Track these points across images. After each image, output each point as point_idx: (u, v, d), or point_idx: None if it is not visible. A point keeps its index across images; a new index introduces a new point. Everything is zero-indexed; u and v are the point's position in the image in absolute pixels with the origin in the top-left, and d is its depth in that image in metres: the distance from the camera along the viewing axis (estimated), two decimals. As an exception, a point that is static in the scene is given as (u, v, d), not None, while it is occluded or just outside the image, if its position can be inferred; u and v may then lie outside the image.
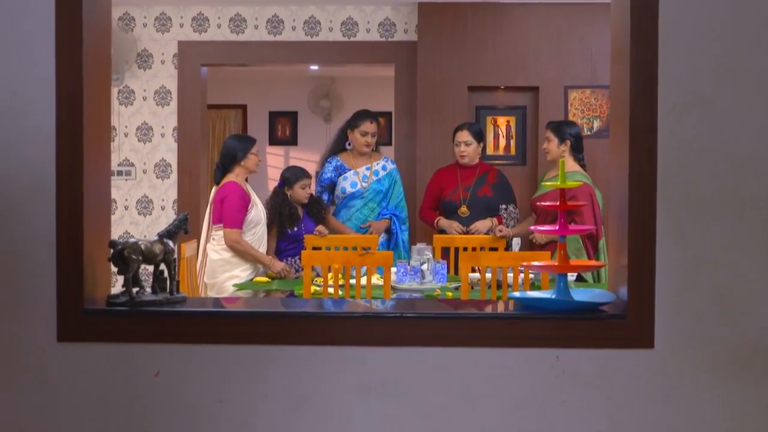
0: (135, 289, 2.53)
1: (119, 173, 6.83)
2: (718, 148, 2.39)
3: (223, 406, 2.45)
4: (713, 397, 2.41)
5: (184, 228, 2.66)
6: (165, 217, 6.81)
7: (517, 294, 2.68)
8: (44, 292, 2.45)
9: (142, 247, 2.52)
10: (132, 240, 2.52)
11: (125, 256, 2.48)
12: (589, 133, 6.27)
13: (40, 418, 2.46)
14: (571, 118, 6.24)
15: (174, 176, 6.82)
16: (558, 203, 2.61)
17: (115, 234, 6.78)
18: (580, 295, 2.57)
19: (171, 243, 2.60)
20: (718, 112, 2.39)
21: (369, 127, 5.78)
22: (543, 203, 2.74)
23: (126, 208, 6.85)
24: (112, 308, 2.49)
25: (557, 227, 2.61)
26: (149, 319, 2.47)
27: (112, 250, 2.50)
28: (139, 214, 6.85)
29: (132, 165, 6.84)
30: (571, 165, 5.36)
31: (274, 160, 11.13)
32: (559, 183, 2.59)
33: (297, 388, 2.45)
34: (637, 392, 2.41)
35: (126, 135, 6.83)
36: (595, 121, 6.32)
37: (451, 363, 2.44)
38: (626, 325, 2.42)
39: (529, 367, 2.43)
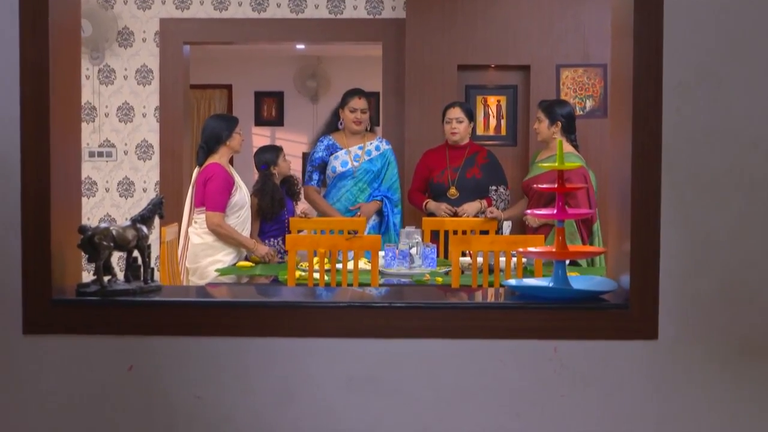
0: (106, 278, 2.40)
1: (99, 154, 6.67)
2: (727, 127, 2.27)
3: (202, 402, 2.32)
4: (721, 391, 2.29)
5: (158, 212, 2.52)
6: (147, 199, 6.64)
7: (512, 282, 2.54)
8: (9, 282, 2.32)
9: (114, 232, 2.37)
10: (103, 225, 2.37)
11: (95, 243, 2.33)
12: (581, 112, 6.13)
13: (5, 416, 2.32)
14: (563, 97, 6.10)
15: (156, 157, 6.67)
16: (555, 186, 2.47)
17: (96, 217, 6.64)
18: (580, 283, 2.44)
19: (145, 228, 2.46)
20: (726, 89, 2.27)
21: (357, 103, 5.68)
22: (540, 186, 2.60)
23: (107, 190, 6.69)
24: (82, 298, 2.35)
25: (554, 211, 2.47)
26: (122, 309, 2.34)
27: (81, 236, 2.35)
28: (120, 196, 6.69)
29: (113, 146, 6.68)
30: (564, 146, 5.22)
31: (261, 141, 10.96)
32: (557, 164, 2.45)
33: (281, 382, 2.32)
34: (640, 386, 2.29)
35: (106, 115, 6.66)
36: (587, 101, 6.18)
37: (442, 355, 2.31)
38: (628, 315, 2.29)
39: (525, 359, 2.31)
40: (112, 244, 2.36)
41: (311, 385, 2.31)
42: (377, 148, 5.76)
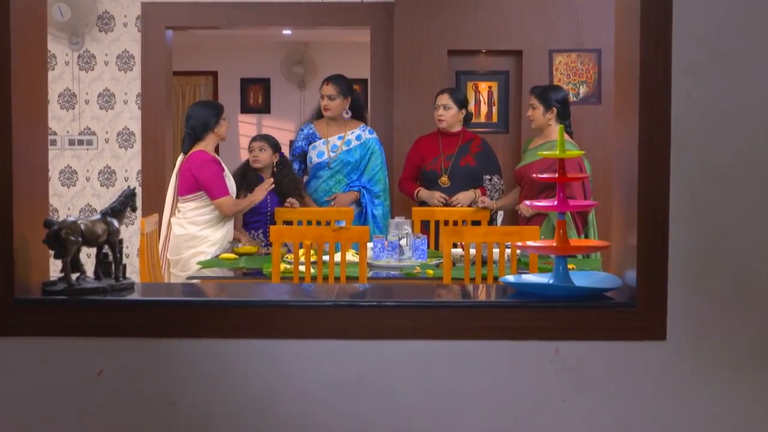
0: (74, 275, 2.25)
1: (80, 142, 6.49)
2: (741, 111, 2.13)
3: (177, 408, 2.18)
4: (732, 394, 2.16)
5: (130, 205, 2.36)
6: (129, 188, 6.47)
7: (510, 278, 2.39)
8: (-32, 280, 2.16)
9: (82, 227, 2.22)
10: (70, 219, 2.22)
11: (62, 238, 2.18)
12: (575, 99, 5.98)
13: (-35, 425, 2.17)
14: (556, 83, 5.95)
15: (138, 146, 6.49)
16: (554, 175, 2.32)
17: (77, 207, 6.47)
18: (582, 279, 2.29)
19: (116, 222, 2.30)
20: (739, 70, 2.13)
21: (325, 89, 5.57)
22: (540, 175, 2.44)
23: (87, 179, 6.52)
24: (49, 297, 2.21)
25: (555, 202, 2.32)
26: (91, 309, 2.20)
27: (47, 231, 2.19)
28: (101, 185, 6.52)
29: (93, 134, 6.50)
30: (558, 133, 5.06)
31: (247, 129, 10.80)
32: (557, 152, 2.30)
33: (262, 387, 2.18)
34: (647, 390, 2.16)
35: (87, 102, 6.49)
36: (581, 87, 6.04)
37: (435, 358, 2.18)
38: (635, 314, 2.16)
39: (524, 361, 2.18)
40: (80, 239, 2.21)
41: (295, 390, 2.17)
42: (358, 137, 5.60)
